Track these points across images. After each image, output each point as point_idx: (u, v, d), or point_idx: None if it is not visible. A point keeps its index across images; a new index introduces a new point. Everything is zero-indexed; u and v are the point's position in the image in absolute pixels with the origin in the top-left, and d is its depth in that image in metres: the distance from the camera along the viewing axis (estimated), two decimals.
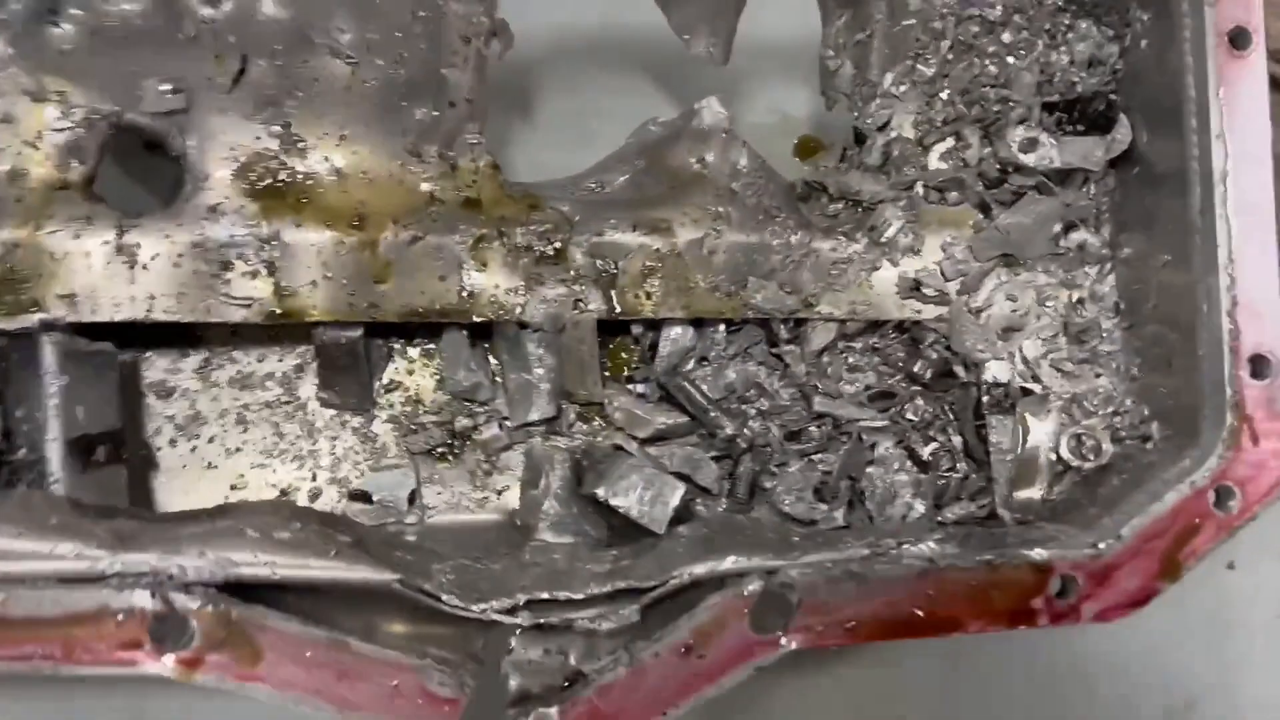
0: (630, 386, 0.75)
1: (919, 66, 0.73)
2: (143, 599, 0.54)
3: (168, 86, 0.68)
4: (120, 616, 0.54)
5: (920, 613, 0.57)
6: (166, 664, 0.53)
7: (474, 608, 0.60)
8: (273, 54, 0.69)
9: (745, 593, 0.58)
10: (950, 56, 0.73)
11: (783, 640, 0.57)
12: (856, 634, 0.57)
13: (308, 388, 0.74)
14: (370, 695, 0.56)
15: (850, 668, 0.80)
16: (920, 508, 0.71)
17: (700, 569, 0.61)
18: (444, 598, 0.60)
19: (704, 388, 0.74)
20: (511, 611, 0.61)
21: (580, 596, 0.61)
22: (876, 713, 0.80)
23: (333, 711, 0.55)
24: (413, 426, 0.74)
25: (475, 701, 0.57)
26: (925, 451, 0.73)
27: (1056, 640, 0.79)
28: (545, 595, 0.61)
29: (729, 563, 0.61)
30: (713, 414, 0.73)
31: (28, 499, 0.60)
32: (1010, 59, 0.72)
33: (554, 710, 0.59)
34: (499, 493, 0.74)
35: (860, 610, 0.58)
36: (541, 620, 0.61)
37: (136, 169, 0.80)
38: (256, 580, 0.58)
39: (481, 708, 0.58)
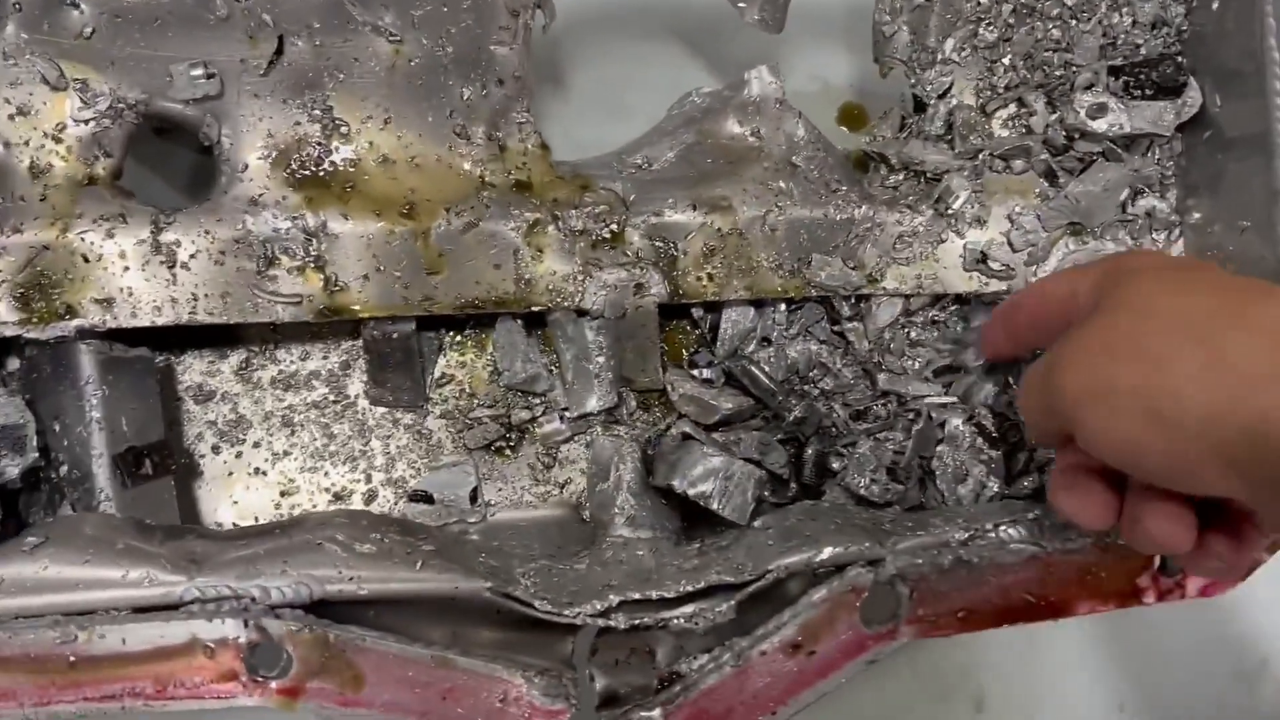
0: (694, 372, 0.73)
1: (980, 31, 0.71)
2: (235, 628, 0.51)
3: (199, 70, 0.63)
4: (212, 647, 0.50)
5: (1032, 598, 0.56)
6: (267, 695, 0.50)
7: (567, 612, 0.58)
8: (311, 32, 0.65)
9: (855, 586, 0.56)
10: (1012, 20, 0.71)
11: (898, 633, 0.56)
12: (970, 623, 0.56)
13: (356, 385, 0.70)
14: (478, 712, 0.53)
15: (927, 646, 0.80)
16: (994, 485, 0.70)
17: (796, 560, 0.60)
18: (536, 604, 0.58)
19: (767, 369, 0.72)
20: (605, 614, 0.59)
21: (673, 595, 0.60)
22: (954, 688, 0.80)
23: None
24: (468, 421, 0.71)
25: (581, 712, 0.55)
26: (993, 425, 0.72)
27: (1123, 613, 0.80)
28: (638, 595, 0.59)
29: (826, 553, 0.60)
30: (779, 396, 0.71)
31: (90, 523, 0.56)
32: (1073, 21, 0.70)
33: (657, 712, 0.57)
34: (561, 486, 0.72)
35: (972, 598, 0.57)
36: (636, 622, 0.59)
37: (148, 155, 0.76)
38: (342, 598, 0.55)
39: (586, 716, 0.56)
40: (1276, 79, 0.62)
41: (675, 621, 0.60)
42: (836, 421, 0.72)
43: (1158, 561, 0.59)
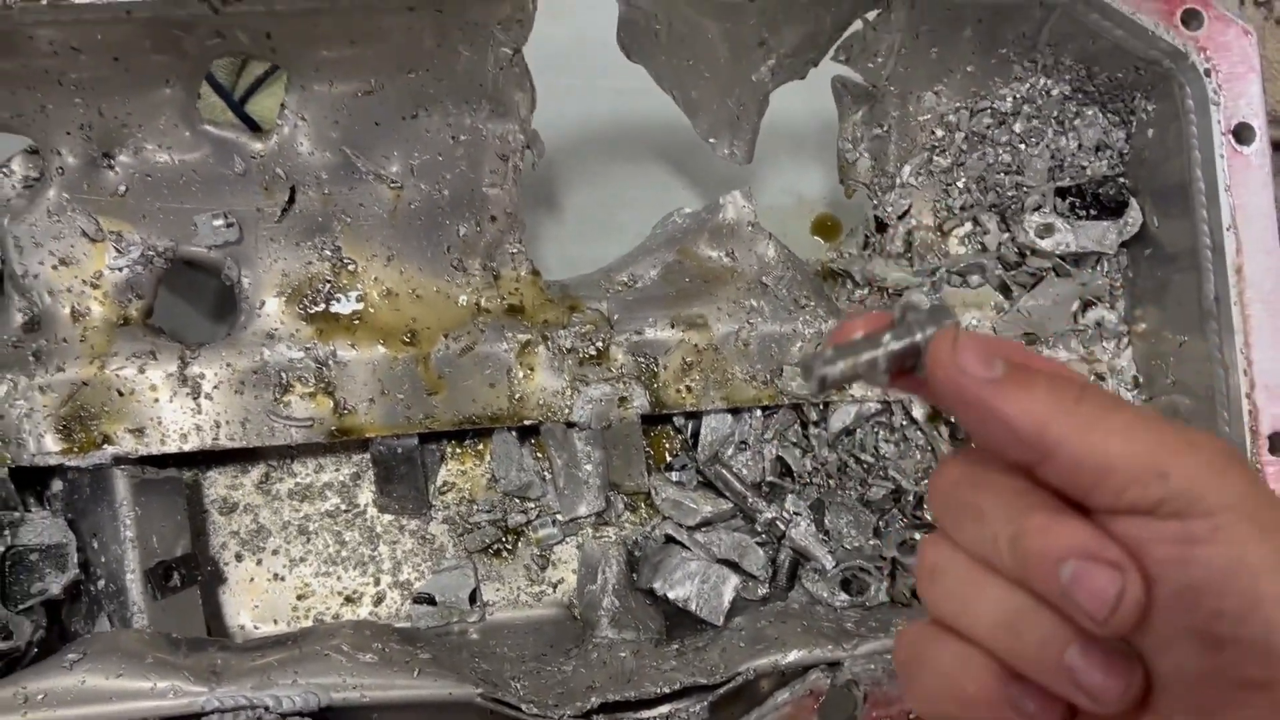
0: (670, 475, 0.78)
1: (935, 158, 0.77)
2: None
3: (220, 220, 0.70)
4: None
5: None
6: None
7: (552, 714, 0.63)
8: (319, 182, 0.72)
9: (813, 690, 0.61)
10: (965, 147, 0.76)
11: None
12: None
13: (365, 495, 0.77)
14: None
15: None
16: None
17: (764, 663, 0.65)
18: (523, 708, 0.63)
19: (743, 472, 0.77)
20: (586, 716, 0.64)
21: (650, 696, 0.65)
22: None
23: None
24: (468, 526, 0.77)
25: None
26: None
27: None
28: (617, 697, 0.65)
29: (792, 656, 0.65)
30: (750, 499, 0.76)
31: (122, 639, 0.62)
32: (1022, 146, 0.76)
33: None
34: (554, 585, 0.78)
35: None
36: None
37: (180, 285, 0.83)
38: (347, 704, 0.61)
39: None
40: (1201, 204, 0.67)
41: None
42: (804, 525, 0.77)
43: None
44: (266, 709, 0.59)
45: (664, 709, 0.64)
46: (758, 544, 0.76)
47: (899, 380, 0.37)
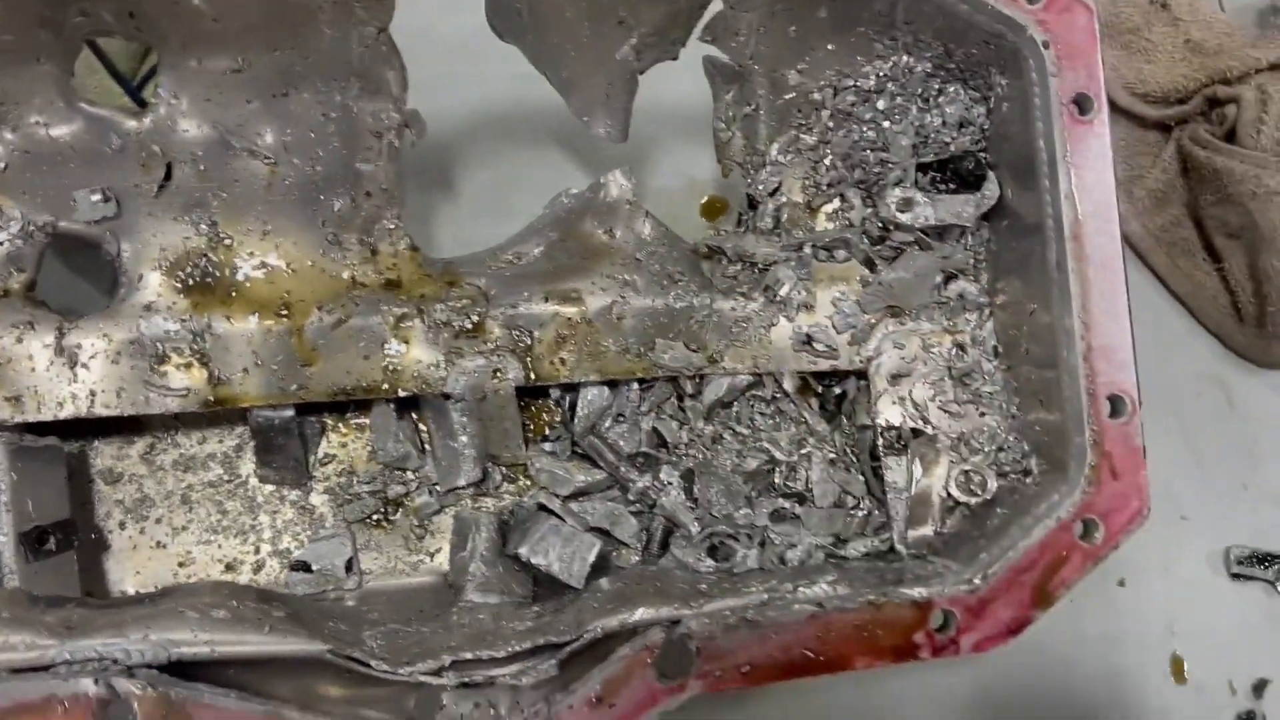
0: (544, 446, 0.80)
1: (802, 136, 0.78)
2: (87, 686, 0.58)
3: (98, 196, 0.73)
4: (66, 704, 0.58)
5: (811, 653, 0.62)
6: None
7: (401, 671, 0.65)
8: (195, 159, 0.74)
9: (648, 644, 0.63)
10: (830, 124, 0.78)
11: (685, 687, 0.62)
12: (752, 677, 0.62)
13: (247, 466, 0.79)
14: None
15: (757, 704, 0.85)
16: (821, 551, 0.76)
17: (613, 622, 0.66)
18: (373, 663, 0.65)
19: (620, 444, 0.79)
20: (438, 673, 0.65)
21: (502, 654, 0.66)
22: None
23: None
24: (348, 496, 0.79)
25: None
26: (825, 495, 0.78)
27: (957, 666, 0.84)
28: (469, 655, 0.66)
29: (638, 615, 0.66)
30: (623, 469, 0.78)
31: None
32: (886, 123, 0.77)
33: None
34: (432, 555, 0.79)
35: (755, 654, 0.62)
36: (465, 679, 0.65)
37: (75, 263, 0.85)
38: (197, 659, 0.63)
39: None
40: (1045, 176, 0.68)
41: (503, 678, 0.66)
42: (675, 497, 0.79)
43: (935, 619, 0.64)
44: (114, 661, 0.61)
45: (514, 667, 0.66)
46: (631, 513, 0.78)
47: None
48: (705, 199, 0.92)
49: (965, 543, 0.72)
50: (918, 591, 0.64)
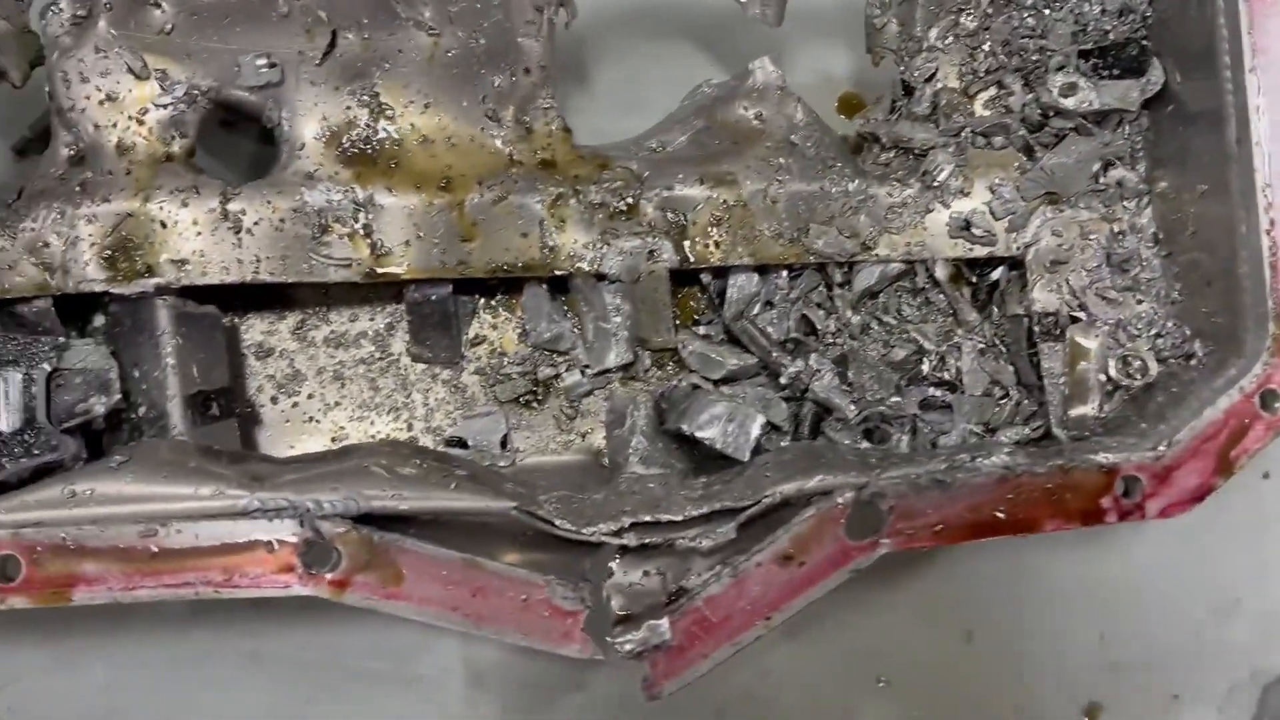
0: (696, 329, 0.80)
1: (961, 21, 0.78)
2: (292, 528, 0.58)
3: (263, 61, 0.72)
4: (274, 544, 0.58)
5: (1001, 515, 0.63)
6: (319, 585, 0.57)
7: (585, 530, 0.65)
8: (360, 27, 0.73)
9: (840, 503, 0.63)
10: (990, 10, 0.78)
11: (879, 543, 0.62)
12: (943, 536, 0.62)
13: (399, 344, 0.78)
14: (502, 609, 0.60)
15: (920, 583, 0.85)
16: (974, 438, 0.76)
17: (790, 487, 0.66)
18: (557, 522, 0.65)
19: (769, 330, 0.79)
20: (618, 533, 0.65)
21: (680, 518, 0.66)
22: (944, 619, 0.85)
23: (468, 625, 0.59)
24: (499, 377, 0.79)
25: (594, 614, 0.62)
26: (975, 384, 0.78)
27: (1107, 550, 0.85)
28: (648, 518, 0.66)
29: (816, 481, 0.66)
30: (775, 354, 0.78)
31: (166, 447, 0.64)
32: (1046, 11, 0.77)
33: (664, 621, 0.64)
34: (583, 435, 0.79)
35: (946, 514, 0.63)
36: (646, 541, 0.66)
37: (215, 146, 0.84)
38: (385, 512, 0.63)
39: (598, 620, 0.63)
40: (1225, 54, 0.68)
41: (681, 541, 0.66)
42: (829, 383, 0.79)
43: (1120, 485, 0.65)
44: (308, 510, 0.61)
45: (693, 530, 0.66)
46: (782, 399, 0.78)
47: None
48: (841, 95, 0.91)
49: (1127, 425, 0.72)
50: (1104, 456, 0.64)
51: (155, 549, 0.57)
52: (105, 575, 0.56)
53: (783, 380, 0.78)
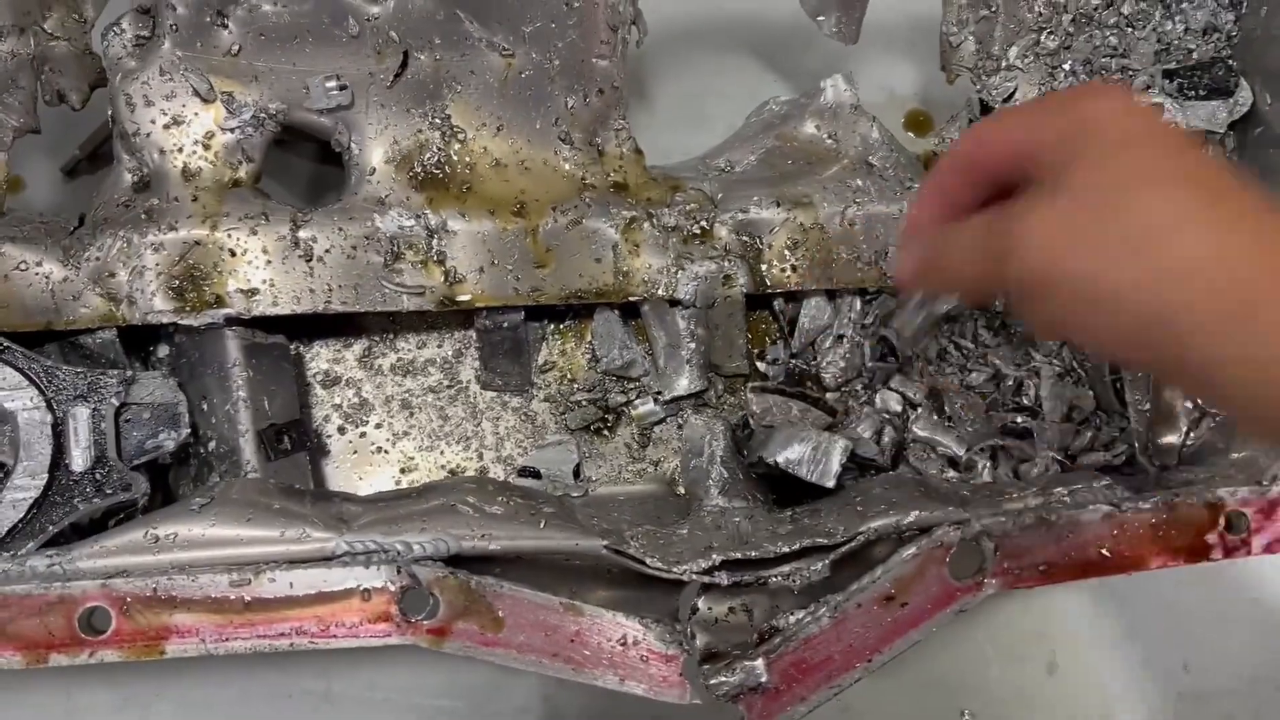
0: (759, 365, 0.78)
1: (1042, 39, 0.76)
2: (388, 575, 0.56)
3: (333, 83, 0.70)
4: (369, 591, 0.56)
5: (1107, 553, 0.61)
6: (419, 634, 0.55)
7: (676, 569, 0.63)
8: (432, 48, 0.71)
9: (943, 542, 0.61)
10: (1072, 29, 0.76)
11: (985, 584, 0.60)
12: (1050, 575, 0.61)
13: (468, 371, 0.76)
14: (602, 653, 0.59)
15: (1002, 614, 0.84)
16: (1057, 465, 0.74)
17: (885, 523, 0.65)
18: (648, 560, 0.63)
19: (841, 364, 0.77)
20: (710, 571, 0.64)
21: (771, 555, 0.65)
22: (1026, 650, 0.84)
23: (568, 672, 0.58)
24: (569, 405, 0.77)
25: (692, 657, 0.61)
26: (1055, 410, 0.77)
27: (1192, 577, 0.84)
28: (739, 555, 0.64)
29: (913, 517, 0.65)
30: (843, 400, 0.77)
31: (248, 487, 0.62)
32: (1130, 29, 0.76)
33: (760, 661, 0.62)
34: (655, 464, 0.77)
35: (1052, 553, 0.61)
36: (739, 579, 0.64)
37: (269, 165, 0.82)
38: (475, 553, 0.61)
39: (693, 662, 0.61)
40: None
41: (774, 579, 0.65)
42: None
43: (1223, 521, 0.64)
44: (398, 553, 0.59)
45: (785, 568, 0.64)
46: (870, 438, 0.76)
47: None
48: (907, 112, 0.90)
49: (1214, 454, 0.71)
50: (1209, 493, 0.63)
51: (249, 598, 0.55)
52: (198, 627, 0.54)
53: (865, 430, 0.76)
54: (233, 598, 0.55)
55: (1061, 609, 0.84)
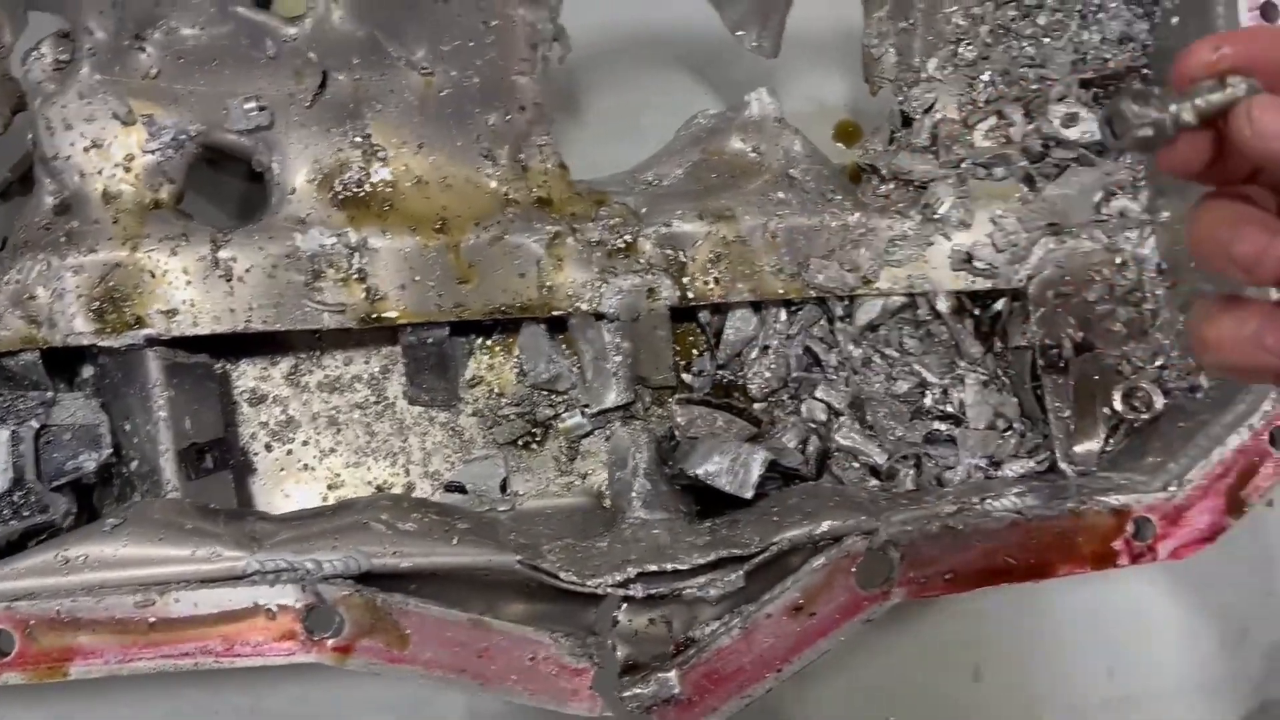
0: (684, 377, 0.78)
1: (960, 50, 0.77)
2: (294, 593, 0.57)
3: (252, 104, 0.70)
4: (274, 610, 0.57)
5: (1013, 560, 0.62)
6: (323, 652, 0.56)
7: (590, 583, 0.64)
8: (351, 68, 0.72)
9: (850, 552, 0.62)
10: (989, 40, 0.77)
11: (889, 594, 0.61)
12: (955, 584, 0.62)
13: (395, 387, 0.77)
14: (509, 669, 0.59)
15: (927, 621, 0.85)
16: (980, 473, 0.75)
17: (799, 534, 0.65)
18: (561, 575, 0.64)
19: (767, 375, 0.78)
20: (625, 584, 0.64)
21: (687, 567, 0.65)
22: (952, 658, 0.85)
23: (475, 687, 0.58)
24: (497, 419, 0.77)
25: (603, 670, 0.61)
26: (979, 418, 0.78)
27: (1114, 584, 0.85)
28: (654, 567, 0.65)
29: (825, 526, 0.65)
30: (770, 410, 0.77)
31: (162, 507, 0.63)
32: (1047, 39, 0.76)
33: (674, 673, 0.62)
34: (583, 477, 0.78)
35: (957, 561, 0.62)
36: (653, 591, 0.64)
37: (202, 185, 0.83)
38: (386, 570, 0.61)
39: (608, 676, 0.62)
40: None
41: (689, 591, 0.65)
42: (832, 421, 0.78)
43: (1130, 527, 0.64)
44: (308, 571, 0.59)
45: (701, 579, 0.65)
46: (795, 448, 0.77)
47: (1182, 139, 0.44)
48: (837, 123, 0.90)
49: (1132, 459, 0.71)
50: (1115, 499, 0.63)
51: (153, 619, 0.56)
52: (102, 648, 0.54)
53: (790, 440, 0.76)
54: (137, 619, 0.55)
55: (988, 616, 0.84)
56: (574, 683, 0.60)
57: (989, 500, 0.65)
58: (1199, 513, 0.64)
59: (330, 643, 0.56)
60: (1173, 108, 0.43)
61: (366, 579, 0.61)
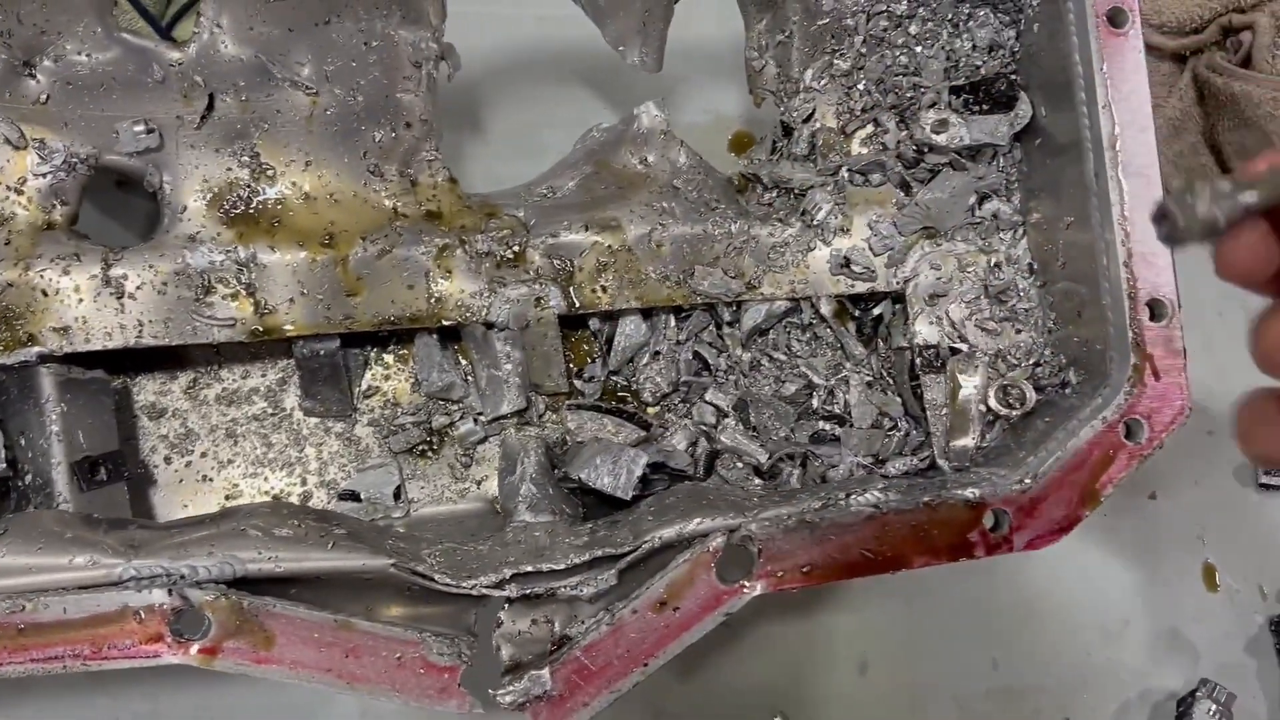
0: (576, 382, 0.80)
1: (836, 61, 0.79)
2: (160, 596, 0.59)
3: (141, 127, 0.73)
4: (141, 614, 0.58)
5: (869, 553, 0.63)
6: (188, 654, 0.58)
7: (465, 584, 0.65)
8: (237, 90, 0.74)
9: (710, 548, 0.64)
10: (863, 50, 0.79)
11: (746, 587, 0.63)
12: (813, 577, 0.63)
13: (291, 399, 0.79)
14: (376, 669, 0.61)
15: (815, 616, 0.86)
16: (862, 470, 0.77)
17: (669, 532, 0.67)
18: (436, 577, 0.65)
19: (659, 380, 0.80)
20: (499, 585, 0.66)
21: (561, 567, 0.67)
22: (840, 652, 0.86)
23: (342, 686, 0.60)
24: (393, 428, 0.79)
25: (474, 669, 0.63)
26: (864, 417, 0.80)
27: (1000, 578, 0.86)
28: (529, 568, 0.67)
29: (694, 524, 0.67)
30: (663, 415, 0.79)
31: (44, 518, 0.64)
32: (918, 49, 0.79)
33: (545, 670, 0.64)
34: (478, 483, 0.80)
35: (814, 555, 0.64)
36: (528, 591, 0.66)
37: (110, 205, 0.85)
38: (261, 575, 0.63)
39: (478, 673, 0.63)
40: (1081, 90, 0.70)
41: (564, 590, 0.67)
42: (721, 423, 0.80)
43: (989, 520, 0.66)
44: (182, 577, 0.61)
45: (574, 579, 0.66)
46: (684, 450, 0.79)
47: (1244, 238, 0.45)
48: (733, 134, 0.93)
49: (1007, 454, 0.73)
50: (970, 492, 0.65)
51: (22, 624, 0.57)
52: None
53: (679, 442, 0.78)
54: (5, 624, 0.57)
55: (873, 609, 0.86)
56: (442, 680, 0.62)
57: (854, 496, 0.67)
58: (1053, 504, 0.66)
59: (196, 645, 0.58)
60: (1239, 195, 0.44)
61: (243, 583, 0.63)
